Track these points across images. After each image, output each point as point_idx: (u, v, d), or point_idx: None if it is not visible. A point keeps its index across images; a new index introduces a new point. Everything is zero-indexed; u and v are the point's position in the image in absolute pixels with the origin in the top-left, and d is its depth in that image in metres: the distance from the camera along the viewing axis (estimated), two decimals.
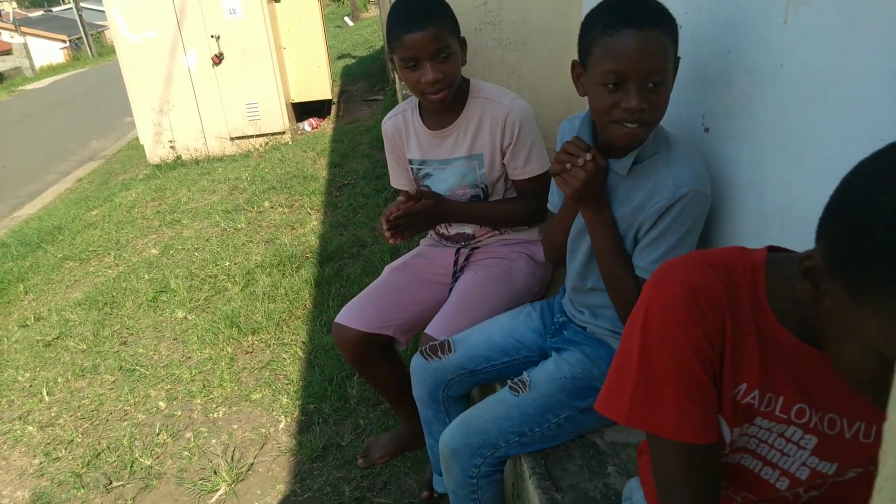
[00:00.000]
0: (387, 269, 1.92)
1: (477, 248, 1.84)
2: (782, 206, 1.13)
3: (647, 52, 1.07)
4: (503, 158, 1.68)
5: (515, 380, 1.40)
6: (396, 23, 1.54)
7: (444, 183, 1.73)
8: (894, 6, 0.83)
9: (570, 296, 1.48)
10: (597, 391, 1.34)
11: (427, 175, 1.77)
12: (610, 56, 1.09)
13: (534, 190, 1.67)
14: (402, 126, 1.78)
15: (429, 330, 1.68)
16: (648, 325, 0.80)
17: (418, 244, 2.00)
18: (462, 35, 1.62)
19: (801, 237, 1.09)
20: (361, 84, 9.50)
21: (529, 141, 1.64)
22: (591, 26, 1.14)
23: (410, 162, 1.79)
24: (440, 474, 1.75)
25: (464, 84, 1.68)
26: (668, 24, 1.10)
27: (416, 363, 1.61)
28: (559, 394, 1.35)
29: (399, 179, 1.87)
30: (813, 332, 0.74)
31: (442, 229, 1.85)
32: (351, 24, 17.87)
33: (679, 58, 1.16)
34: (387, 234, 1.62)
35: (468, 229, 1.81)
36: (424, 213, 1.64)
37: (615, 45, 1.08)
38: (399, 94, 6.02)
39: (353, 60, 11.85)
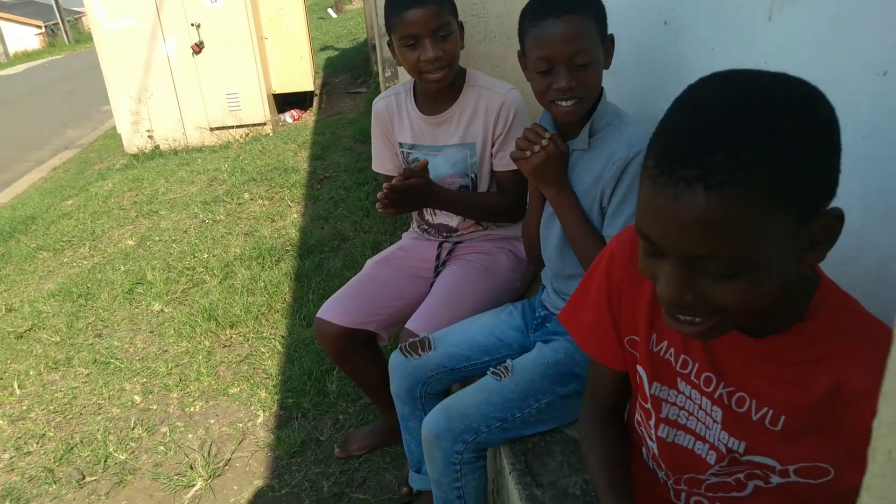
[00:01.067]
0: (369, 262, 1.90)
1: (460, 242, 1.83)
2: None
3: (569, 37, 1.19)
4: (493, 148, 1.67)
5: (498, 367, 1.40)
6: (396, 1, 1.53)
7: (434, 170, 1.71)
8: (878, 4, 0.83)
9: (552, 284, 1.48)
10: (579, 378, 1.35)
11: (417, 160, 1.75)
12: (537, 44, 1.23)
13: (516, 182, 1.66)
14: (395, 108, 1.76)
15: (409, 325, 1.67)
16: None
17: (400, 238, 1.98)
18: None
19: None
20: (344, 76, 9.43)
21: (520, 132, 1.64)
22: (523, 19, 1.28)
23: (401, 145, 1.77)
24: (417, 471, 1.74)
25: (460, 72, 1.67)
26: (587, 8, 1.22)
27: (396, 360, 1.59)
28: (541, 379, 1.36)
29: (385, 163, 1.84)
30: None
31: (427, 215, 1.84)
32: (334, 15, 17.72)
33: (611, 35, 1.29)
34: (378, 204, 1.60)
35: (452, 221, 1.80)
36: (416, 189, 1.59)
37: (540, 33, 1.22)
38: (382, 87, 5.98)
39: (336, 52, 11.74)
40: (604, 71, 1.28)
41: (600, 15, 1.25)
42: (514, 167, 1.66)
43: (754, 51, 1.10)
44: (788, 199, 0.61)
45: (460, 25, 1.62)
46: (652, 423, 0.93)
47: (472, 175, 1.71)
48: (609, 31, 1.29)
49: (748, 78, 0.67)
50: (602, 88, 1.30)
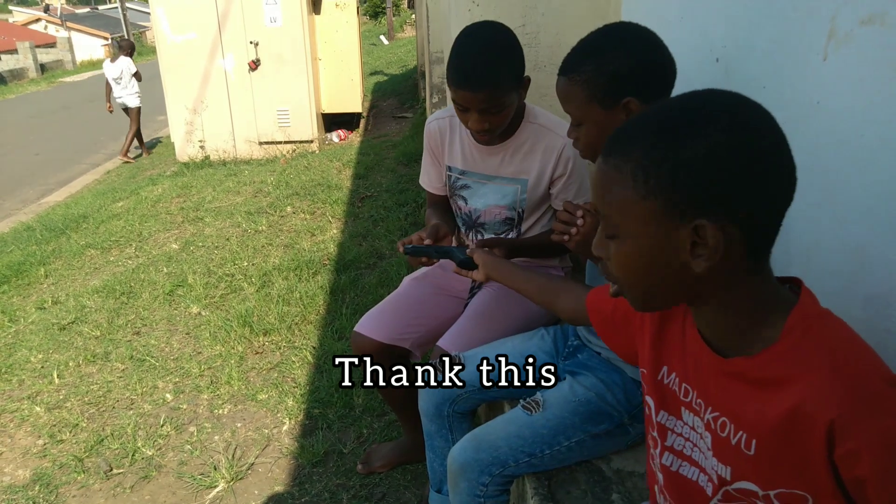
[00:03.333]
0: (406, 279, 1.92)
1: None
2: (808, 246, 1.12)
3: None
4: (550, 188, 1.68)
5: (529, 399, 1.38)
6: (453, 67, 1.50)
7: (482, 198, 1.73)
8: None
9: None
10: (610, 417, 1.33)
11: (465, 186, 1.76)
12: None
13: None
14: (448, 130, 1.76)
15: (441, 343, 1.68)
16: None
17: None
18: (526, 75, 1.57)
19: (824, 278, 1.07)
20: (392, 101, 9.62)
21: (580, 175, 1.66)
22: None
23: (450, 169, 1.78)
24: (438, 491, 1.73)
25: (519, 109, 1.65)
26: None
27: None
28: (572, 417, 1.33)
29: (432, 181, 1.85)
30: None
31: (468, 241, 1.84)
32: (386, 42, 18.14)
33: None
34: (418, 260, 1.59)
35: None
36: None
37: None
38: (429, 112, 6.08)
39: (386, 78, 12.01)
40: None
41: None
42: None
43: (806, 90, 1.10)
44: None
45: (527, 82, 1.58)
46: (657, 451, 0.93)
47: (520, 210, 1.72)
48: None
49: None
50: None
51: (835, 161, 1.04)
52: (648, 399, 0.94)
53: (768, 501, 0.77)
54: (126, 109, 8.29)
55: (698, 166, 0.69)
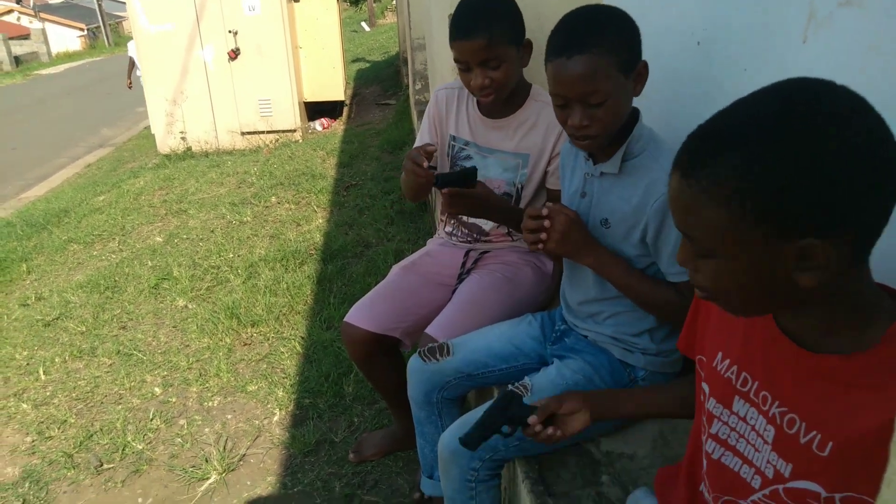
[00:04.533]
0: (395, 268, 1.93)
1: (487, 251, 1.84)
2: None
3: (580, 78, 1.15)
4: (548, 165, 1.70)
5: (517, 384, 1.39)
6: (453, 24, 1.55)
7: (483, 170, 1.72)
8: None
9: (572, 305, 1.48)
10: None
11: (468, 157, 1.77)
12: (552, 79, 1.19)
13: None
14: (455, 100, 1.78)
15: (429, 330, 1.69)
16: None
17: (424, 244, 2.00)
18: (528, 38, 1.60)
19: None
20: (374, 88, 9.56)
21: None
22: (546, 49, 1.22)
23: (454, 139, 1.79)
24: (430, 477, 1.74)
25: (524, 85, 1.69)
26: (600, 46, 1.14)
27: (414, 364, 1.61)
28: None
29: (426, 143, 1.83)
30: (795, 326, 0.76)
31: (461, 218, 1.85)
32: (367, 29, 17.98)
33: (644, 62, 1.22)
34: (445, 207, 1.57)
35: (486, 225, 1.82)
36: (473, 196, 1.54)
37: (553, 70, 1.18)
38: (412, 100, 6.05)
39: (368, 65, 11.92)
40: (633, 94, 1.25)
41: (620, 48, 1.18)
42: None
43: (787, 73, 1.10)
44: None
45: (528, 44, 1.60)
46: (704, 437, 0.92)
47: (519, 185, 1.73)
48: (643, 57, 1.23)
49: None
50: (638, 111, 1.29)
51: None
52: (704, 386, 0.92)
53: (829, 503, 0.74)
54: None
55: (805, 184, 0.61)
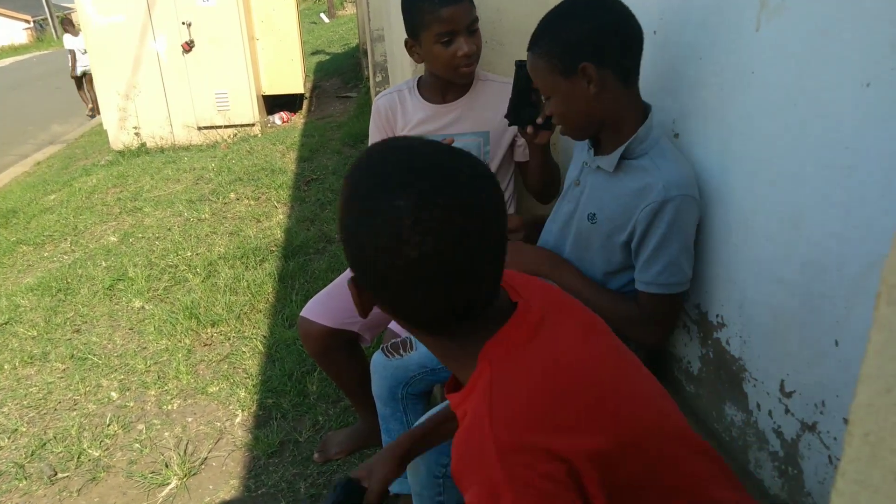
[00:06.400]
0: None
1: None
2: (745, 213, 1.15)
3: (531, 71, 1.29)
4: (515, 137, 1.71)
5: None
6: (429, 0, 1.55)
7: None
8: (864, 17, 0.85)
9: None
10: None
11: None
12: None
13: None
14: (398, 104, 1.77)
15: (392, 325, 1.67)
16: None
17: None
18: None
19: (761, 244, 1.10)
20: (335, 80, 9.44)
21: None
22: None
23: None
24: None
25: None
26: (539, 47, 1.25)
27: (377, 360, 1.59)
28: None
29: None
30: None
31: None
32: (327, 20, 17.74)
33: (588, 64, 1.22)
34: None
35: None
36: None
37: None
38: (373, 92, 5.99)
39: (328, 57, 11.76)
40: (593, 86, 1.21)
41: (557, 51, 1.21)
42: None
43: (741, 60, 1.11)
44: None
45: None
46: None
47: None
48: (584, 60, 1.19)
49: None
50: (649, 107, 1.26)
51: (770, 128, 1.06)
52: None
53: None
54: (84, 74, 9.65)
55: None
